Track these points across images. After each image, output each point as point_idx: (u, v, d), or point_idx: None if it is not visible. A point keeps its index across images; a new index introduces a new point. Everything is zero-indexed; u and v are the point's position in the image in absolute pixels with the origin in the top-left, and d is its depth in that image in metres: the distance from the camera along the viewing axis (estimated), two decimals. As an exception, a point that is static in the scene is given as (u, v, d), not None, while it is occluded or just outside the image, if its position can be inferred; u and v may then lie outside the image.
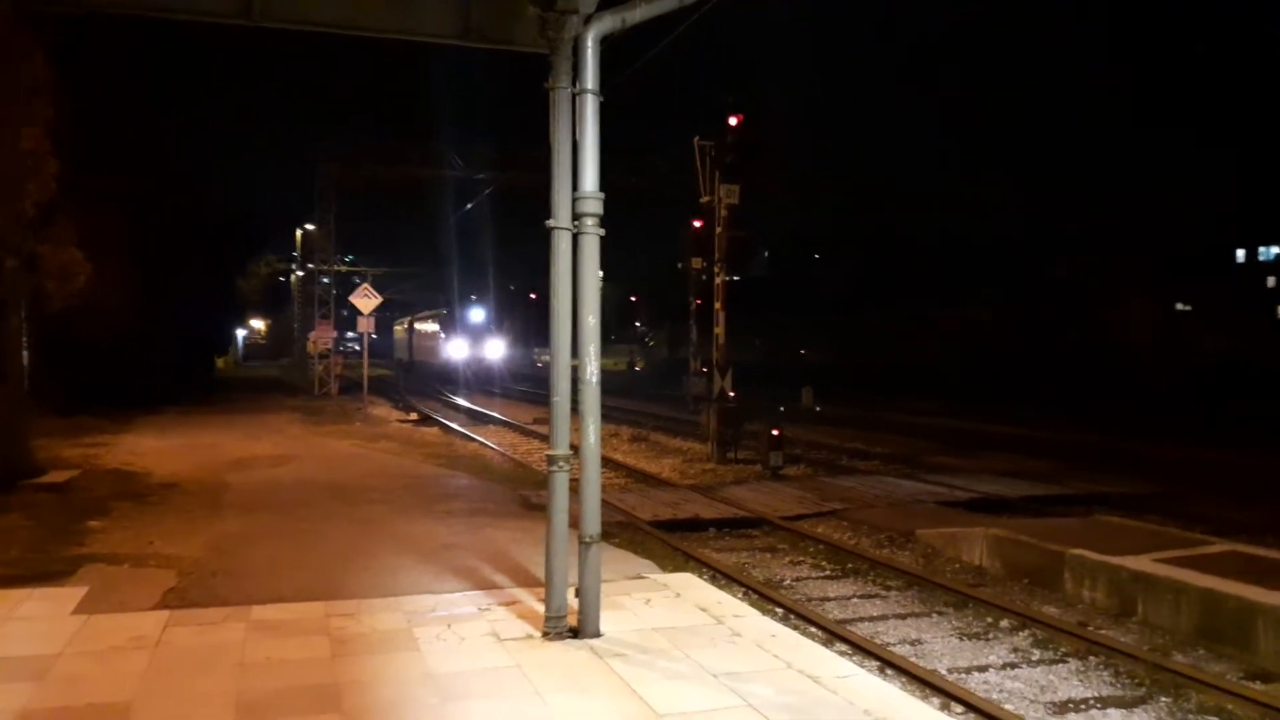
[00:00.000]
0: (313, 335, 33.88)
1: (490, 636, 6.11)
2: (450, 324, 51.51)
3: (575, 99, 5.89)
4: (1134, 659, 6.65)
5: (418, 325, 62.03)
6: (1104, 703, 6.06)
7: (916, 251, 53.33)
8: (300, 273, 46.26)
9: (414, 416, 26.79)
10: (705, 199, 16.73)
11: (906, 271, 53.36)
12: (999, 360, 41.32)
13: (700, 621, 6.53)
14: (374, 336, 27.88)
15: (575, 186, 5.90)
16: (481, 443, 20.26)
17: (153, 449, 16.30)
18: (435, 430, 23.11)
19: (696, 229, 17.79)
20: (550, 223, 5.93)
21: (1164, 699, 6.09)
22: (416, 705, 4.97)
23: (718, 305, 16.99)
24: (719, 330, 16.92)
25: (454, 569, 7.92)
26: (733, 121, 15.87)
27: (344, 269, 45.69)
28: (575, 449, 6.03)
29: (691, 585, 7.67)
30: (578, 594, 6.07)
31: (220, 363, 50.85)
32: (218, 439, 18.00)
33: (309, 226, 38.49)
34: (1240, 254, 79.83)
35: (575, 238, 5.93)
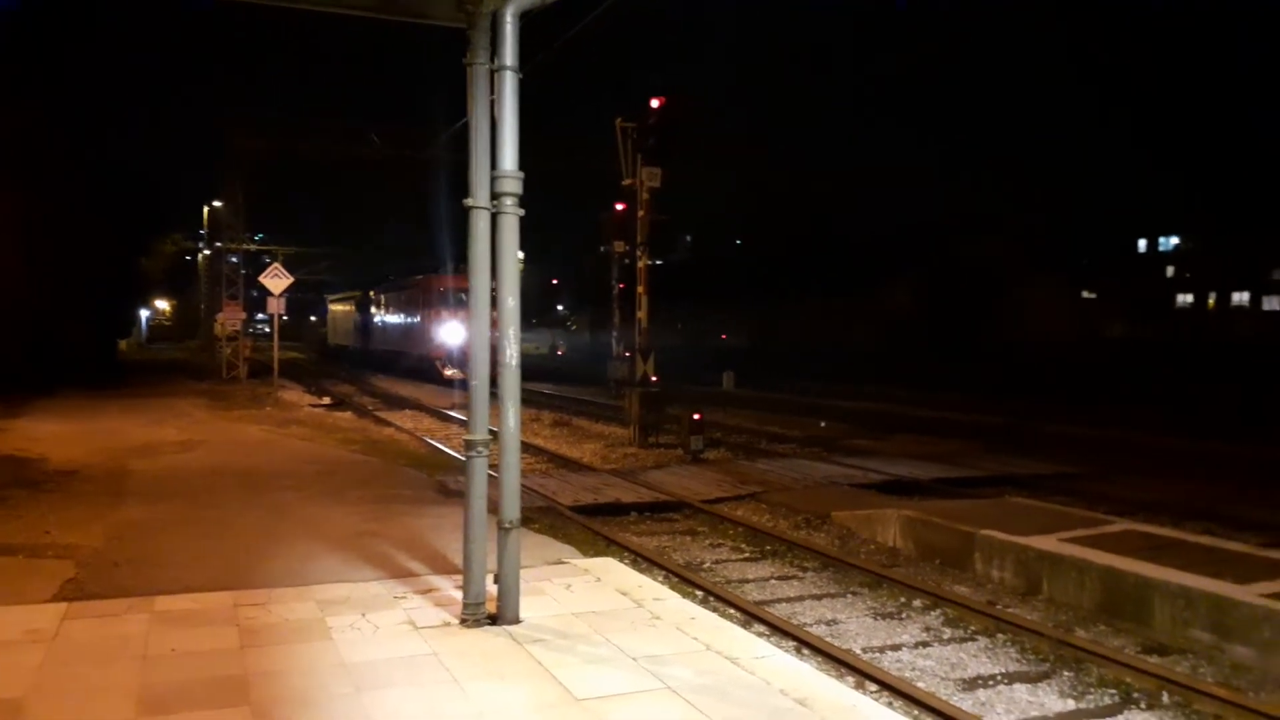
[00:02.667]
0: (220, 316, 32.82)
1: (407, 624, 5.99)
2: (434, 300, 34.72)
3: (494, 75, 5.77)
4: (1039, 635, 6.87)
5: (381, 300, 43.85)
6: (1010, 678, 6.25)
7: (838, 238, 54.20)
8: (208, 252, 44.70)
9: (327, 401, 26.19)
10: (627, 182, 16.67)
11: (828, 257, 54.22)
12: (915, 343, 42.36)
13: (621, 605, 6.52)
14: (285, 318, 27.08)
15: (494, 165, 5.79)
16: (398, 427, 19.91)
17: (49, 434, 15.58)
18: (349, 415, 22.63)
19: (619, 212, 17.72)
20: (468, 202, 5.81)
21: (1067, 673, 6.31)
22: (329, 695, 4.84)
23: (640, 289, 16.97)
24: (641, 315, 16.92)
25: (369, 557, 7.76)
26: (654, 104, 15.82)
27: (254, 248, 43.33)
28: (494, 434, 5.94)
29: (612, 570, 7.66)
30: (496, 580, 6.00)
31: (123, 345, 48.88)
32: (120, 424, 17.30)
33: (217, 204, 37.21)
34: (1142, 244, 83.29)
35: (494, 218, 5.82)
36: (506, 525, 5.91)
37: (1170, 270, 79.26)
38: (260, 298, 28.41)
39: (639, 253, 16.79)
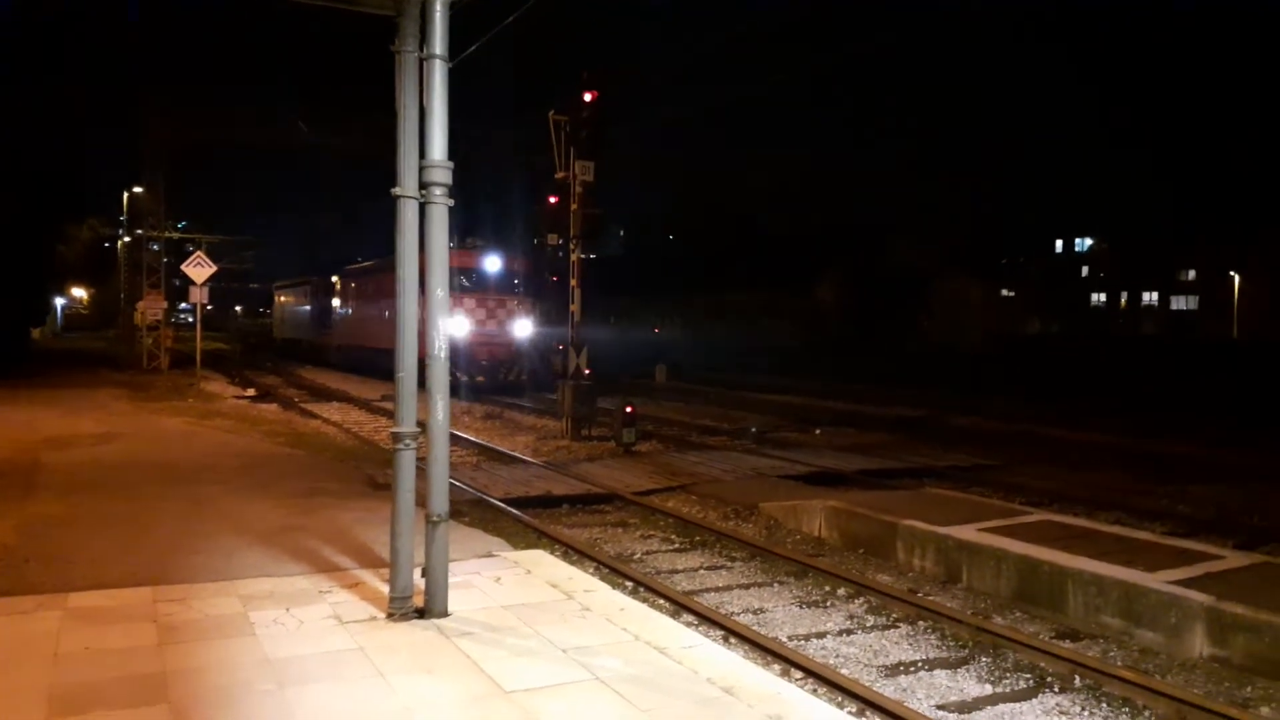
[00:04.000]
0: (141, 305, 31.78)
1: (332, 619, 5.91)
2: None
3: (423, 64, 5.71)
4: (959, 623, 7.07)
5: (350, 287, 35.55)
6: (931, 664, 6.43)
7: (770, 235, 54.96)
8: (128, 239, 43.21)
9: (252, 392, 25.59)
10: (560, 175, 16.60)
11: (760, 255, 54.89)
12: (839, 339, 43.16)
13: (551, 598, 6.53)
14: (209, 308, 26.36)
15: (423, 154, 5.73)
16: (325, 420, 19.55)
17: (-46, 427, 14.94)
18: (275, 407, 22.14)
19: (552, 205, 17.66)
20: (396, 191, 5.74)
21: (985, 659, 6.51)
22: (252, 692, 4.76)
23: (573, 282, 16.93)
24: (574, 308, 16.88)
25: (294, 551, 7.62)
26: (587, 97, 15.79)
27: (176, 235, 41.73)
28: (423, 426, 5.89)
29: (543, 562, 7.65)
30: (425, 574, 5.95)
31: (36, 334, 47.04)
32: (32, 416, 16.67)
33: (137, 189, 36.01)
34: (1059, 245, 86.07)
35: (423, 207, 5.76)
36: (435, 518, 5.87)
37: (1085, 270, 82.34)
38: (183, 286, 27.64)
39: (572, 245, 16.75)
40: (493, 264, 26.15)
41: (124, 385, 24.34)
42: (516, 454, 15.20)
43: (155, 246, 32.91)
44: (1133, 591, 6.88)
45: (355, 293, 34.76)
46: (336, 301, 37.26)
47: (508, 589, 6.72)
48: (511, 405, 22.67)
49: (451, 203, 5.81)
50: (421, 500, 5.94)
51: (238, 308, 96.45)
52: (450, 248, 22.73)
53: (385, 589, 6.15)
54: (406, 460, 5.84)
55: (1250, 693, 5.90)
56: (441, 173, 5.74)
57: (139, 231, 35.13)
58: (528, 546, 8.65)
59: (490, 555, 7.75)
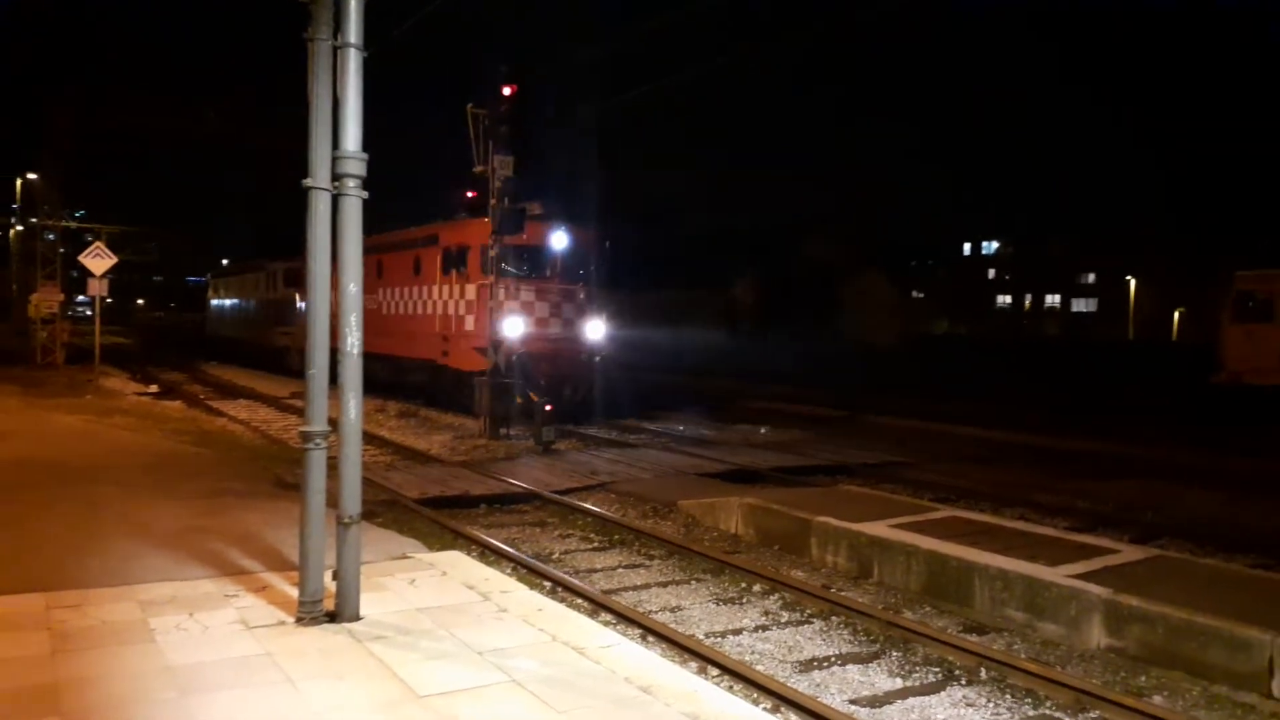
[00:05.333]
0: (35, 298, 30.31)
1: (238, 624, 5.72)
2: (465, 266, 19.23)
3: (337, 53, 5.56)
4: (870, 618, 7.21)
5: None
6: (844, 659, 6.53)
7: (690, 236, 55.45)
8: (20, 228, 41.14)
9: (154, 389, 24.67)
10: (479, 169, 16.39)
11: (682, 253, 55.30)
12: (757, 337, 43.76)
13: (467, 599, 6.44)
14: (108, 301, 25.30)
15: (336, 145, 5.58)
16: (231, 418, 18.96)
17: None
18: (179, 404, 21.38)
19: (471, 199, 17.43)
20: (307, 182, 5.58)
21: (895, 653, 6.64)
22: (150, 701, 4.57)
23: (492, 278, 16.73)
24: (493, 304, 16.68)
25: (198, 554, 7.36)
26: (507, 91, 15.61)
27: (74, 225, 39.76)
28: (335, 424, 5.74)
29: (459, 563, 7.54)
30: (336, 577, 5.80)
31: (-83, 327, 44.49)
32: (-88, 413, 15.76)
33: (31, 176, 34.35)
34: (967, 248, 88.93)
35: (336, 199, 5.61)
36: (346, 520, 5.73)
37: (991, 273, 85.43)
38: (81, 278, 26.47)
39: (491, 242, 16.56)
40: (559, 241, 18.36)
41: (16, 380, 23.18)
42: (433, 453, 14.98)
43: (51, 236, 31.46)
44: (1035, 585, 7.11)
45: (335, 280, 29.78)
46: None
47: (423, 591, 6.60)
48: (429, 403, 22.03)
49: (365, 195, 5.67)
50: (333, 501, 5.79)
51: (140, 300, 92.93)
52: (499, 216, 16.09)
53: (294, 593, 5.98)
54: (317, 460, 5.68)
55: (1144, 681, 6.15)
56: (355, 164, 5.60)
57: (33, 220, 33.52)
58: (444, 548, 8.52)
59: (405, 557, 7.60)
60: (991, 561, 7.52)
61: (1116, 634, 6.59)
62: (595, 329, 18.66)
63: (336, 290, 5.65)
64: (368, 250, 24.52)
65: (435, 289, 19.75)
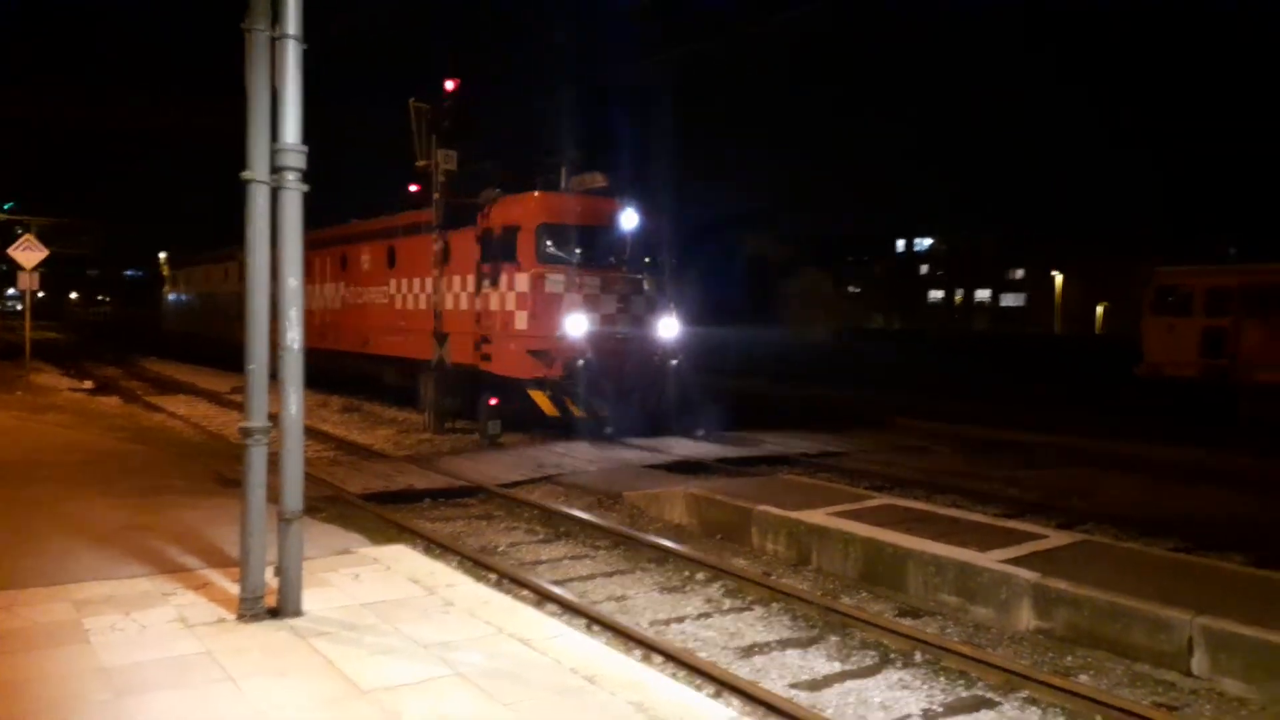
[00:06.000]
0: (-41, 291, 29.31)
1: (177, 622, 5.66)
2: (517, 251, 15.49)
3: (275, 44, 5.51)
4: (809, 604, 7.36)
5: (343, 256, 21.93)
6: (783, 645, 6.68)
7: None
8: (-56, 219, 39.69)
9: (89, 384, 24.04)
10: (422, 163, 16.26)
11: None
12: (698, 329, 44.11)
13: (412, 593, 6.44)
14: (40, 295, 24.60)
15: (275, 138, 5.54)
16: (170, 413, 18.58)
17: None
18: (115, 400, 20.88)
19: (414, 193, 17.30)
20: (246, 175, 5.52)
21: (833, 638, 6.81)
22: (84, 703, 4.51)
23: (436, 273, 16.63)
24: (437, 298, 16.58)
25: (136, 552, 7.24)
26: (449, 86, 15.51)
27: (2, 217, 38.20)
28: (276, 420, 5.71)
29: (404, 557, 7.53)
30: (278, 573, 5.77)
31: None
32: None
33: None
34: (900, 244, 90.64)
35: (275, 193, 5.57)
36: (288, 515, 5.70)
37: (924, 269, 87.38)
38: (10, 272, 25.68)
39: (435, 236, 16.45)
40: (628, 220, 15.74)
41: (-60, 377, 22.44)
42: (377, 448, 14.86)
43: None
44: (967, 570, 7.33)
45: (324, 269, 22.85)
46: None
47: (367, 586, 6.59)
48: (373, 397, 21.67)
49: (306, 188, 5.63)
50: (275, 497, 5.76)
51: (74, 294, 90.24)
52: (562, 190, 15.88)
53: (236, 590, 5.93)
54: (257, 456, 5.65)
55: (1071, 662, 6.39)
56: (294, 156, 5.56)
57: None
58: (388, 542, 8.49)
59: (348, 552, 7.57)
60: (925, 548, 7.73)
61: (1045, 616, 6.83)
62: (668, 326, 15.72)
63: (291, 283, 5.60)
64: (374, 235, 19.48)
65: (469, 280, 16.48)
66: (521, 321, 15.18)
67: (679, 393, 15.76)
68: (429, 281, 17.14)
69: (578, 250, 15.43)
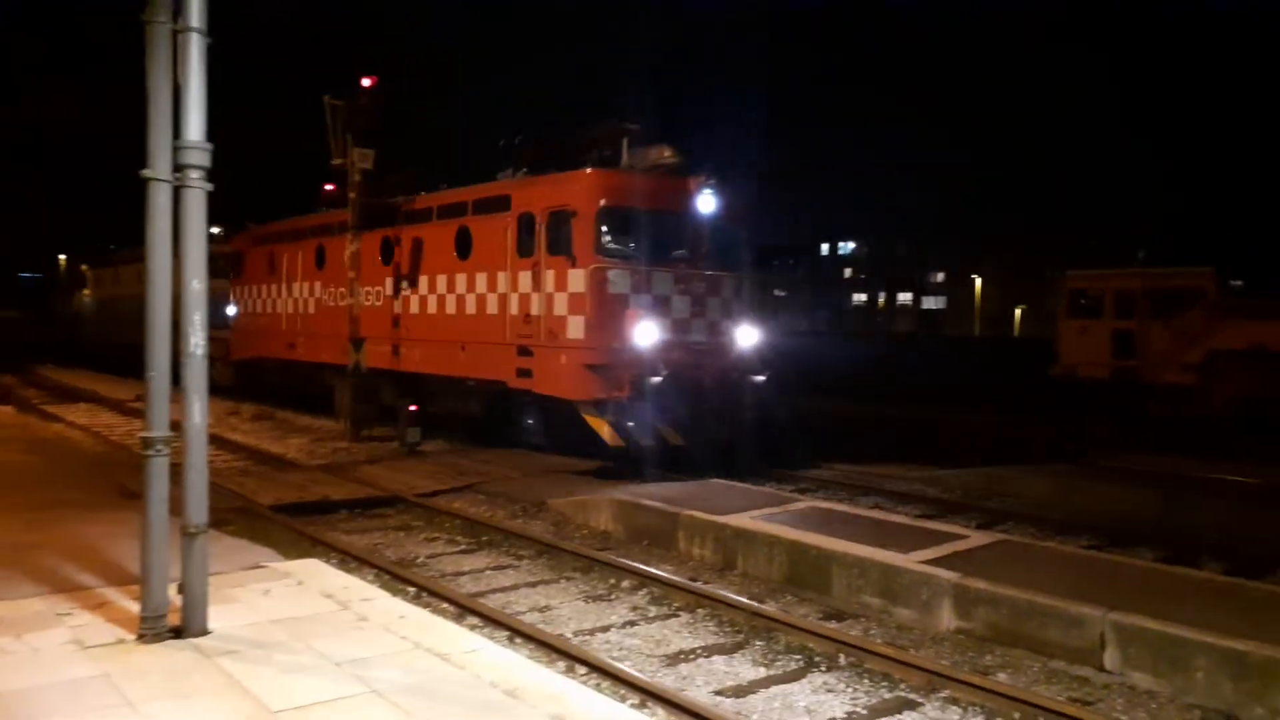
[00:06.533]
0: None
1: (73, 644, 5.34)
2: (575, 241, 12.56)
3: (177, 37, 5.25)
4: (735, 608, 7.34)
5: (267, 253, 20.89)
6: (709, 651, 6.63)
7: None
8: None
9: (-19, 394, 22.81)
10: (337, 162, 15.85)
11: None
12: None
13: (325, 609, 6.21)
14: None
15: (178, 135, 5.28)
16: (70, 423, 17.75)
17: None
18: (9, 409, 19.82)
19: (329, 193, 16.86)
20: (146, 173, 5.25)
21: (759, 643, 6.79)
22: (-32, 736, 4.21)
23: (351, 274, 16.23)
24: (353, 301, 16.19)
25: (29, 571, 6.83)
26: (366, 83, 15.16)
27: None
28: (179, 428, 5.43)
29: (317, 571, 7.27)
30: (181, 590, 5.49)
31: None
32: None
33: None
34: (825, 248, 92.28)
35: (177, 191, 5.31)
36: (192, 529, 5.43)
37: (848, 272, 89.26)
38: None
39: (350, 237, 16.05)
40: (706, 204, 13.00)
41: None
42: (290, 457, 14.42)
43: None
44: (890, 572, 7.40)
45: (293, 266, 19.75)
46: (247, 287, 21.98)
47: (277, 602, 6.33)
48: (285, 404, 20.97)
49: (210, 187, 5.39)
50: (179, 509, 5.48)
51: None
52: (622, 167, 12.81)
53: (136, 608, 5.62)
54: (158, 467, 5.37)
55: (990, 660, 6.48)
56: (198, 154, 5.31)
57: None
58: (301, 556, 8.20)
59: (258, 566, 7.27)
60: (849, 550, 7.78)
61: (965, 616, 6.93)
62: (748, 334, 13.15)
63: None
64: (378, 219, 16.09)
65: (503, 278, 13.70)
66: (576, 329, 12.35)
67: (766, 417, 13.41)
68: (503, 278, 13.76)
69: (645, 242, 12.58)
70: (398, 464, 13.57)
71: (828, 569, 7.83)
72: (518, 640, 6.58)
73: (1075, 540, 9.67)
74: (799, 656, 6.54)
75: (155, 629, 5.42)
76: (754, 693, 5.94)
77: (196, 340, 5.33)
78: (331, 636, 5.64)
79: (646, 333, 12.05)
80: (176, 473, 5.46)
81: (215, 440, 15.64)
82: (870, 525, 8.80)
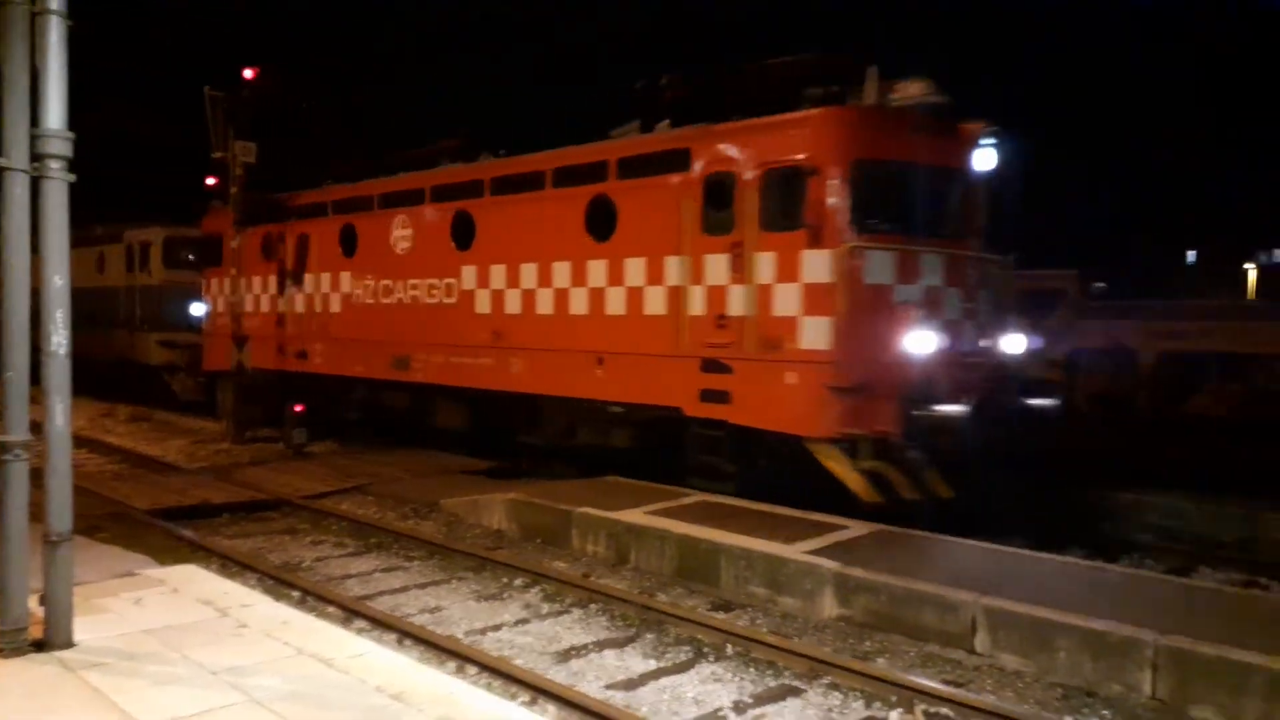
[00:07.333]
0: None
1: (-79, 664, 5.02)
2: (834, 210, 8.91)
3: (35, 19, 4.99)
4: (626, 603, 7.41)
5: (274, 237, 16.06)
6: (601, 646, 6.67)
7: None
8: None
9: None
10: (218, 155, 15.28)
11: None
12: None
13: (202, 617, 6.00)
14: None
15: (36, 122, 5.02)
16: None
17: None
18: None
19: (210, 187, 16.25)
20: (1, 163, 4.97)
21: (649, 635, 6.87)
22: None
23: (233, 271, 15.69)
24: (234, 299, 15.64)
25: (-128, 586, 6.38)
26: (248, 74, 14.66)
27: None
28: (40, 430, 5.16)
29: (195, 578, 7.01)
30: (44, 601, 5.23)
31: None
32: None
33: None
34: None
35: (36, 182, 5.04)
36: (55, 537, 5.17)
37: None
38: None
39: (233, 232, 15.51)
40: (984, 161, 9.92)
41: None
42: (169, 460, 13.88)
43: None
44: (775, 562, 7.58)
45: (305, 252, 15.67)
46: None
47: (151, 611, 6.08)
48: (166, 405, 20.16)
49: (72, 178, 5.13)
50: (42, 517, 5.21)
51: None
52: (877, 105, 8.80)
53: (-7, 623, 5.32)
54: (16, 473, 5.08)
55: (870, 646, 6.70)
56: (59, 144, 5.05)
57: None
58: (179, 562, 7.90)
59: (131, 574, 6.98)
60: (736, 542, 7.94)
61: (846, 604, 7.15)
62: (1015, 342, 9.93)
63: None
64: (443, 194, 13.02)
65: (675, 264, 10.17)
66: (817, 335, 9.03)
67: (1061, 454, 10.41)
68: (675, 264, 10.15)
69: (911, 212, 9.39)
70: (284, 466, 13.22)
71: (716, 561, 7.97)
72: (407, 643, 6.49)
73: (949, 530, 10.00)
74: (688, 648, 6.64)
75: (15, 643, 5.14)
76: (644, 685, 6.01)
77: (59, 339, 5.07)
78: (208, 645, 5.45)
79: (923, 341, 8.91)
80: (42, 478, 5.19)
81: (89, 443, 14.95)
82: (759, 518, 8.97)
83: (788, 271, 9.21)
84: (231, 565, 8.28)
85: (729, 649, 6.56)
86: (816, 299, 9.03)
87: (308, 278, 15.46)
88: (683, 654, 6.54)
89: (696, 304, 9.93)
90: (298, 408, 14.39)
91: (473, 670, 6.03)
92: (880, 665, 6.27)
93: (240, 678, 4.97)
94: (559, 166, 11.56)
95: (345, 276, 14.73)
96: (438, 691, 4.92)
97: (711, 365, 9.78)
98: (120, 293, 21.72)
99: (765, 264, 9.34)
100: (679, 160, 10.14)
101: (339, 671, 5.13)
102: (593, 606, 7.49)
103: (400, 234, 13.70)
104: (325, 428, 15.07)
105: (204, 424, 17.37)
